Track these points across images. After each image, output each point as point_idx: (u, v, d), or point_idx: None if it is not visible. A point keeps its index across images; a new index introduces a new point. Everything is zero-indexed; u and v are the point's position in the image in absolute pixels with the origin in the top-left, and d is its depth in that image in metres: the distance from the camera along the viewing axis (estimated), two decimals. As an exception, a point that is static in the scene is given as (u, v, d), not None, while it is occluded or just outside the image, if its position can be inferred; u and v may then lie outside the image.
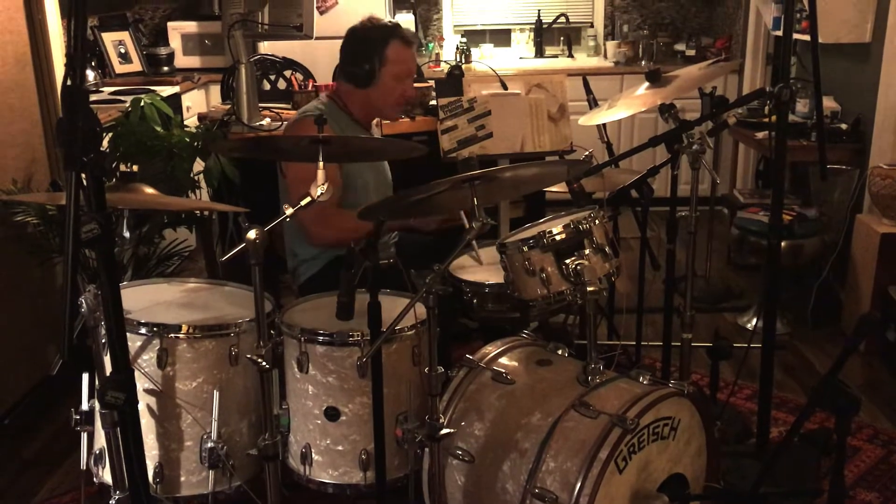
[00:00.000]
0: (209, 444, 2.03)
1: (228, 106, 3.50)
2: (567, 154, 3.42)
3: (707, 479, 2.12)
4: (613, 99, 2.50)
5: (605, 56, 5.83)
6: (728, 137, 4.85)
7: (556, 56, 6.00)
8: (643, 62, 5.61)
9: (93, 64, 4.89)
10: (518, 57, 6.00)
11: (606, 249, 2.11)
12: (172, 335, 1.99)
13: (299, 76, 4.26)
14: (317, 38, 5.19)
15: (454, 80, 3.48)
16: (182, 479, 2.06)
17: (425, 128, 3.55)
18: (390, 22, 2.66)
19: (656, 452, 1.94)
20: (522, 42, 6.06)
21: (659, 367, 2.85)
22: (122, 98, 4.26)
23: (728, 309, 3.98)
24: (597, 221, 2.13)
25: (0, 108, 3.09)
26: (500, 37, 6.08)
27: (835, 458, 1.58)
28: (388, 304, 2.25)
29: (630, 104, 2.32)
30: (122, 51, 5.26)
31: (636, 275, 3.23)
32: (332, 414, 2.04)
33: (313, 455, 2.09)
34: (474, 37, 6.04)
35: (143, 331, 2.00)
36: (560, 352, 2.18)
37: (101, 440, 2.09)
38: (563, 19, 5.87)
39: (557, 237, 2.07)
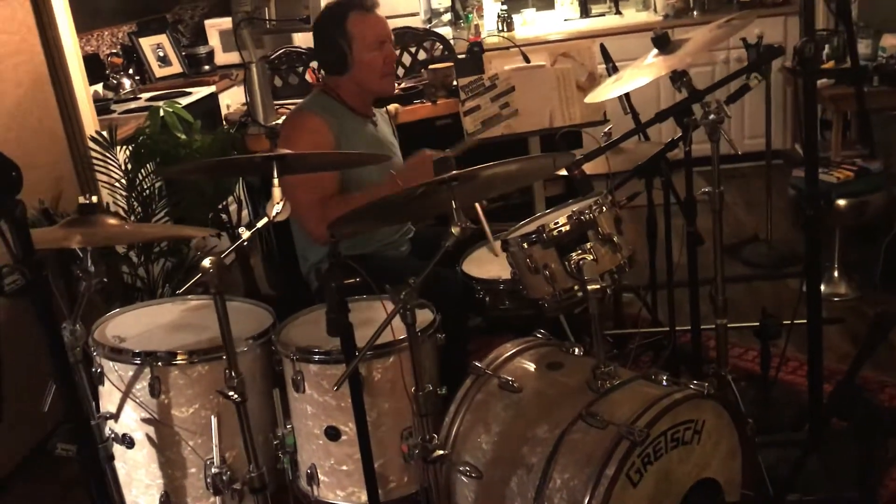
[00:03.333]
0: (213, 471, 1.96)
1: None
2: (601, 125, 3.21)
3: (745, 480, 1.95)
4: (623, 69, 2.29)
5: (656, 10, 5.52)
6: (782, 86, 4.53)
7: (602, 14, 5.72)
8: (694, 13, 5.28)
9: (130, 72, 4.91)
10: (563, 19, 5.74)
11: (615, 239, 1.94)
12: (161, 363, 1.92)
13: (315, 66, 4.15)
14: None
15: (474, 58, 3.31)
16: (188, 507, 2.02)
17: (447, 111, 3.41)
18: None
19: (677, 460, 1.77)
20: (566, 3, 5.79)
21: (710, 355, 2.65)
22: (157, 104, 4.26)
23: (794, 274, 3.71)
24: (603, 209, 1.95)
25: (21, 130, 3.10)
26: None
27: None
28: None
29: (638, 74, 2.11)
30: (161, 54, 5.26)
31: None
32: (332, 434, 1.95)
33: (319, 475, 2.01)
34: (515, 3, 5.80)
35: (134, 360, 1.95)
36: (576, 351, 2.03)
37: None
38: (605, -25, 5.58)
39: (558, 231, 1.91)
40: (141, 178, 3.25)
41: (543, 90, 3.27)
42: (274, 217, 1.56)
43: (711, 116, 2.02)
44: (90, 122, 3.45)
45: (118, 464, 2.04)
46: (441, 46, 4.37)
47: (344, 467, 1.97)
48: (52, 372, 1.36)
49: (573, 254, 1.89)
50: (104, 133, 3.28)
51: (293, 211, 2.55)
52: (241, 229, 1.56)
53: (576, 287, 1.92)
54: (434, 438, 1.72)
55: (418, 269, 2.36)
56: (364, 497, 1.98)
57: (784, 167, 4.75)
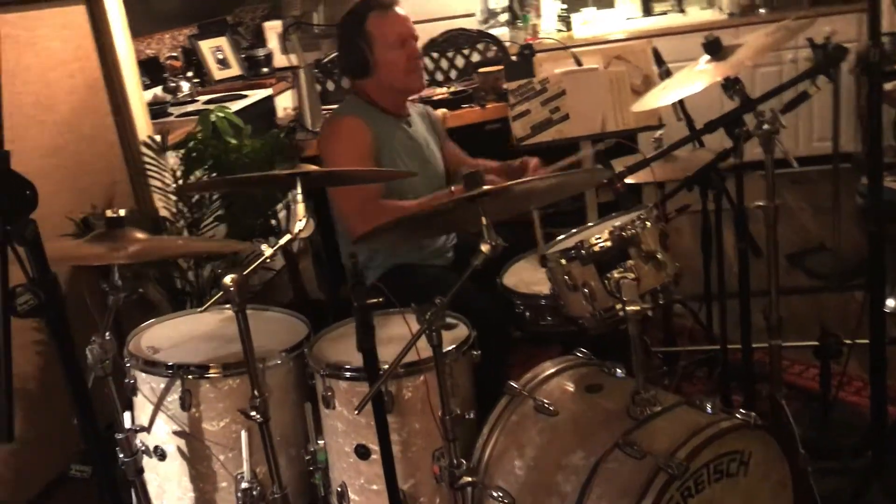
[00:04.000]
0: (243, 486, 1.94)
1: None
2: (659, 129, 3.09)
3: (797, 513, 1.83)
4: (675, 74, 2.19)
5: (721, 8, 5.34)
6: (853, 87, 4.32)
7: (665, 13, 5.56)
8: (761, 10, 5.08)
9: (189, 74, 4.96)
10: (624, 18, 5.60)
11: (659, 256, 1.84)
12: (192, 377, 1.91)
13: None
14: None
15: (524, 62, 3.22)
16: (220, 522, 2.00)
17: (497, 115, 3.34)
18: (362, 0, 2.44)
19: (721, 492, 1.67)
20: (628, 1, 5.65)
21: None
22: (209, 108, 4.29)
23: (860, 287, 3.51)
24: (647, 225, 1.86)
25: (74, 136, 3.14)
26: (604, -2, 5.70)
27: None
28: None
29: (687, 81, 2.01)
30: (220, 56, 5.31)
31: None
32: (362, 452, 1.90)
33: (350, 494, 1.96)
34: (575, 2, 5.68)
35: (165, 372, 1.93)
36: (618, 372, 1.94)
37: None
38: (670, -28, 5.42)
39: (597, 247, 1.82)
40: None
41: (596, 94, 3.16)
42: (297, 234, 1.51)
43: (765, 126, 1.91)
44: (143, 126, 3.49)
45: (150, 475, 2.03)
46: (495, 48, 4.30)
47: (374, 487, 1.92)
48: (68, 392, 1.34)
49: (613, 272, 1.80)
50: (156, 138, 3.31)
51: (336, 217, 2.54)
52: (263, 245, 1.52)
53: (617, 306, 1.83)
54: (462, 464, 1.66)
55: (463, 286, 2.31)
56: (394, 518, 1.93)
57: (853, 172, 4.54)
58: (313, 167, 1.63)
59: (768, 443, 1.74)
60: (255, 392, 1.60)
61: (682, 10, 5.50)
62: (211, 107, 3.67)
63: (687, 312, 2.91)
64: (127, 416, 2.05)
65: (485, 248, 1.60)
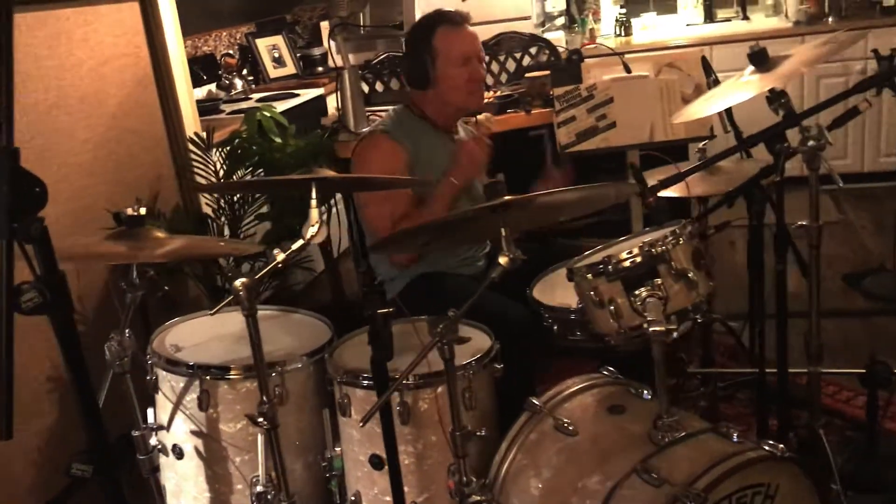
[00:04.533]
0: (258, 489, 1.92)
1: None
2: (706, 140, 2.99)
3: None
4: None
5: (787, 15, 5.17)
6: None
7: (728, 20, 5.41)
8: (829, 19, 4.89)
9: (244, 72, 5.02)
10: (685, 24, 5.47)
11: (690, 275, 1.76)
12: (210, 377, 1.90)
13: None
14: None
15: (572, 67, 3.16)
16: (234, 523, 1.99)
17: (541, 121, 3.27)
18: (437, 10, 2.41)
19: (744, 527, 1.59)
20: (689, 6, 5.52)
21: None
22: (256, 106, 4.32)
23: (920, 312, 3.36)
24: (679, 241, 1.78)
25: (122, 130, 3.18)
26: (665, 3, 5.57)
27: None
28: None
29: (730, 93, 1.92)
30: (276, 55, 5.35)
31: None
32: (376, 462, 1.87)
33: (363, 503, 1.93)
34: (635, 6, 5.57)
35: (185, 371, 1.93)
36: (644, 394, 1.87)
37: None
38: (734, -23, 5.27)
39: (624, 264, 1.75)
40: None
41: (644, 102, 3.07)
42: (309, 239, 1.49)
43: (810, 143, 1.81)
44: (191, 123, 3.52)
45: (169, 473, 2.04)
46: (548, 52, 4.23)
47: (388, 498, 1.87)
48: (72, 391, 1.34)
49: (641, 289, 1.73)
50: (202, 134, 3.34)
51: (366, 227, 2.52)
52: (276, 251, 1.50)
53: (644, 325, 1.76)
54: (472, 481, 1.62)
55: (488, 293, 2.25)
56: (407, 530, 1.90)
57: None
58: (329, 172, 1.60)
59: (797, 476, 1.65)
60: (264, 398, 1.58)
61: (746, 18, 5.34)
62: (259, 105, 3.69)
63: (728, 332, 2.80)
64: (150, 412, 2.06)
65: (503, 260, 1.56)
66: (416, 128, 2.42)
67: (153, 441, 1.92)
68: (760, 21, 5.30)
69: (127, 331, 1.79)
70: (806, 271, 2.64)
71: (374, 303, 1.47)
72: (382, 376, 1.57)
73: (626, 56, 4.67)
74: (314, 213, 1.50)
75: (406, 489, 1.88)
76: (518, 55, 4.27)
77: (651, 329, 1.62)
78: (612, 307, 1.78)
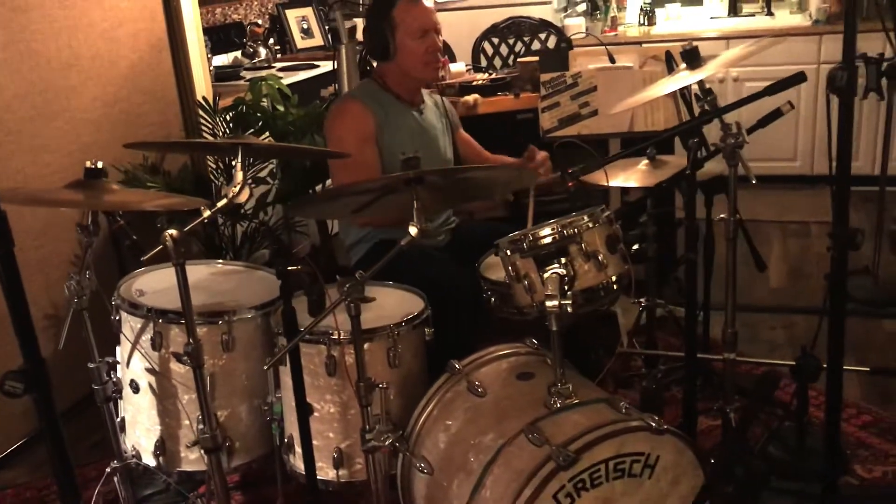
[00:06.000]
0: (201, 426, 2.10)
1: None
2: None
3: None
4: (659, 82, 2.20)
5: (811, 14, 5.14)
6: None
7: (752, 14, 5.40)
8: (851, 19, 4.86)
9: (270, 41, 5.20)
10: (709, 17, 5.48)
11: (600, 257, 1.88)
12: (163, 321, 2.08)
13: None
14: (482, 8, 5.15)
15: (560, 54, 3.27)
16: (181, 454, 2.18)
17: (529, 105, 3.38)
18: None
19: (621, 492, 1.72)
20: (716, 0, 5.52)
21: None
22: (282, 75, 4.51)
23: (891, 315, 3.39)
24: (594, 225, 1.90)
25: (132, 91, 3.39)
26: (692, -6, 5.58)
27: None
28: (390, 300, 2.22)
29: (664, 86, 2.02)
30: (305, 26, 5.52)
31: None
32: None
33: (295, 447, 2.10)
34: (661, -4, 5.60)
35: (142, 314, 2.12)
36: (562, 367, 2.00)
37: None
38: (759, -27, 5.26)
39: (540, 242, 1.88)
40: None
41: (627, 92, 3.16)
42: (232, 198, 1.65)
43: (729, 140, 1.91)
44: (203, 87, 3.72)
45: (128, 405, 2.24)
46: (557, 38, 4.32)
47: (315, 442, 2.04)
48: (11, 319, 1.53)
49: (549, 266, 1.86)
50: (208, 98, 3.53)
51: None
52: (202, 207, 1.66)
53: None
54: (374, 429, 1.77)
55: (434, 264, 2.40)
56: (331, 473, 2.07)
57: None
58: (254, 139, 1.75)
59: (681, 450, 1.77)
60: (190, 339, 1.75)
61: (770, 13, 5.33)
62: (270, 73, 3.87)
63: (670, 316, 2.90)
64: (118, 349, 2.26)
65: (413, 230, 1.69)
66: (381, 98, 2.58)
67: (108, 374, 2.11)
68: (784, 17, 5.28)
69: (88, 272, 1.97)
70: (760, 266, 2.74)
71: (282, 261, 1.63)
72: (291, 327, 1.73)
73: (644, 45, 4.75)
74: (238, 175, 1.66)
75: (331, 435, 2.06)
76: (528, 39, 4.36)
77: (547, 303, 1.75)
78: (526, 282, 1.91)
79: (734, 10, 5.41)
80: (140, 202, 1.90)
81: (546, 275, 1.83)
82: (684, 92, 2.22)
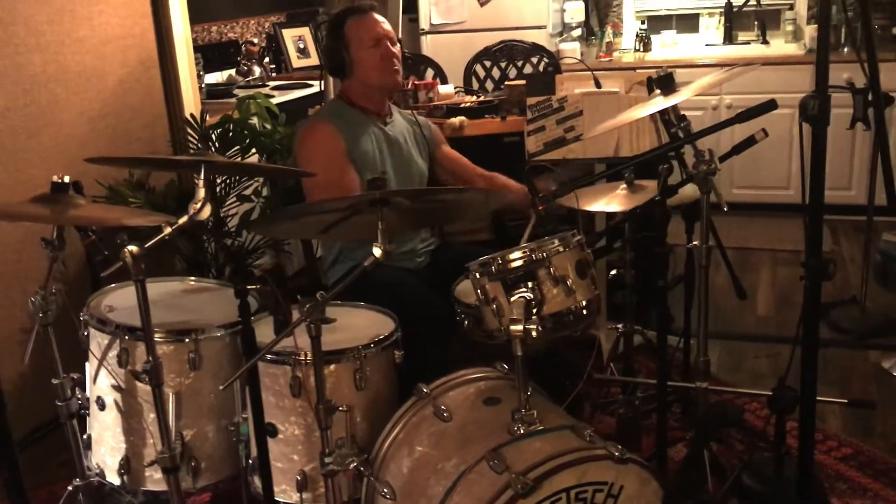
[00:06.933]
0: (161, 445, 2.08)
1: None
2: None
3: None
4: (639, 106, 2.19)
5: (805, 43, 5.16)
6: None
7: (747, 42, 5.42)
8: (845, 49, 4.87)
9: (266, 60, 5.22)
10: (704, 44, 5.50)
11: (569, 282, 1.86)
12: (129, 337, 2.06)
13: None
14: (477, 31, 5.17)
15: (546, 78, 3.26)
16: (146, 473, 2.15)
17: (516, 128, 3.37)
18: (346, 6, 2.61)
19: (583, 521, 1.69)
20: (711, 27, 5.54)
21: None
22: (274, 94, 4.52)
23: (875, 346, 3.36)
24: (563, 249, 1.88)
25: (120, 106, 3.39)
26: (687, 22, 5.60)
27: None
28: (360, 321, 2.20)
29: (637, 111, 2.01)
30: (301, 46, 5.54)
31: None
32: (270, 430, 2.01)
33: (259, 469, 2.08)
34: (657, 23, 5.62)
35: (109, 330, 2.10)
36: (528, 391, 1.97)
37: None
38: (753, 1, 5.26)
39: (509, 265, 1.86)
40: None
41: (612, 117, 3.16)
42: (192, 215, 1.63)
43: (702, 167, 1.90)
44: (191, 105, 3.72)
45: (94, 423, 2.21)
46: (547, 62, 4.32)
47: (279, 464, 2.02)
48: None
49: (518, 290, 1.84)
50: (196, 116, 3.53)
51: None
52: (164, 224, 1.65)
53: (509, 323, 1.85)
54: (334, 452, 1.75)
55: (408, 286, 2.38)
56: (295, 497, 2.04)
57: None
58: (218, 157, 1.74)
59: (646, 480, 1.74)
60: (150, 357, 1.73)
61: (765, 42, 5.34)
62: (257, 92, 3.86)
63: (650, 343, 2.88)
64: (87, 366, 2.24)
65: (377, 251, 1.68)
66: (347, 114, 2.61)
67: (72, 390, 2.09)
68: (779, 46, 5.30)
69: (55, 287, 1.96)
70: (741, 294, 2.72)
71: (241, 279, 1.61)
72: (250, 346, 1.71)
73: (638, 71, 4.76)
74: (200, 193, 1.65)
75: (295, 457, 2.03)
76: (520, 63, 4.37)
77: (511, 327, 1.73)
78: (494, 305, 1.89)
79: (730, 38, 5.43)
80: (102, 218, 1.89)
81: (513, 298, 1.81)
82: (668, 117, 2.21)
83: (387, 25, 2.60)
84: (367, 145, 2.56)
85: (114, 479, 2.16)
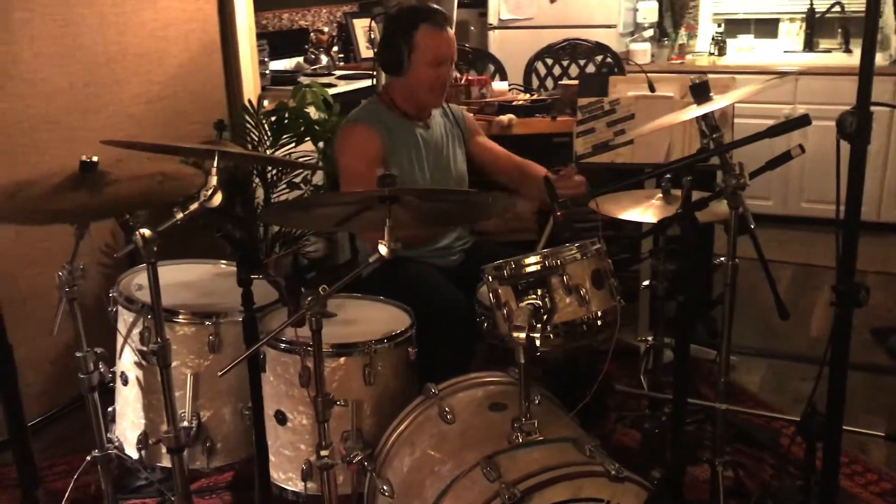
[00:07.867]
0: (183, 423, 2.13)
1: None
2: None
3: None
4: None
5: (891, 53, 4.91)
6: None
7: (829, 50, 5.19)
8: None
9: (334, 49, 5.27)
10: (783, 50, 5.30)
11: (582, 292, 1.81)
12: (151, 317, 2.11)
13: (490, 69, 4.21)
14: (545, 27, 5.11)
15: (600, 80, 3.19)
16: (164, 451, 2.20)
17: (565, 129, 3.32)
18: (422, 5, 2.53)
19: (575, 536, 1.65)
20: (792, 33, 5.33)
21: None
22: (336, 83, 4.56)
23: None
24: (580, 258, 1.84)
25: (179, 90, 3.47)
26: (766, 27, 5.41)
27: None
28: (377, 314, 2.20)
29: (674, 118, 1.95)
30: (372, 36, 5.56)
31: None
32: (280, 418, 2.03)
33: (270, 455, 2.10)
34: (734, 27, 5.44)
35: (135, 308, 2.16)
36: (536, 399, 1.94)
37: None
38: (837, 7, 5.04)
39: (519, 271, 1.83)
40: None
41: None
42: (202, 203, 1.66)
43: (732, 182, 1.82)
44: (251, 91, 3.78)
45: (119, 397, 2.28)
46: (612, 62, 4.23)
47: (287, 452, 2.04)
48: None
49: (528, 296, 1.80)
50: (253, 102, 3.59)
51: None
52: (175, 209, 1.67)
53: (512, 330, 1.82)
54: (331, 447, 1.75)
55: (434, 286, 2.37)
56: (300, 485, 2.05)
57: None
58: (233, 147, 1.76)
59: (643, 499, 1.69)
60: (159, 338, 1.76)
61: (848, 50, 5.11)
62: (313, 81, 3.92)
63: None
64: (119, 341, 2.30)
65: (383, 249, 1.67)
66: (387, 117, 2.58)
67: (95, 364, 2.14)
68: (862, 55, 5.06)
69: (81, 264, 2.01)
70: (783, 315, 2.61)
71: (246, 270, 1.62)
72: (251, 335, 1.73)
73: (711, 76, 4.59)
74: (212, 180, 1.67)
75: (302, 447, 2.04)
76: (582, 62, 4.30)
77: (514, 333, 1.70)
78: (505, 310, 1.86)
79: (810, 45, 5.22)
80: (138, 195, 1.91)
81: (521, 304, 1.78)
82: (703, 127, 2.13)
83: (454, 46, 2.56)
84: (406, 148, 2.56)
85: (132, 453, 2.23)
